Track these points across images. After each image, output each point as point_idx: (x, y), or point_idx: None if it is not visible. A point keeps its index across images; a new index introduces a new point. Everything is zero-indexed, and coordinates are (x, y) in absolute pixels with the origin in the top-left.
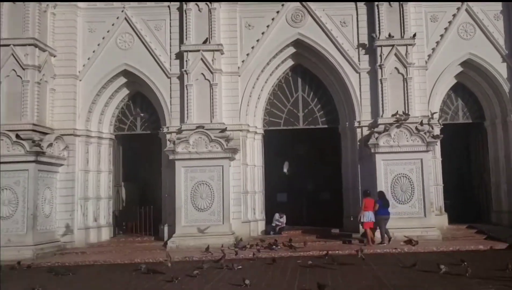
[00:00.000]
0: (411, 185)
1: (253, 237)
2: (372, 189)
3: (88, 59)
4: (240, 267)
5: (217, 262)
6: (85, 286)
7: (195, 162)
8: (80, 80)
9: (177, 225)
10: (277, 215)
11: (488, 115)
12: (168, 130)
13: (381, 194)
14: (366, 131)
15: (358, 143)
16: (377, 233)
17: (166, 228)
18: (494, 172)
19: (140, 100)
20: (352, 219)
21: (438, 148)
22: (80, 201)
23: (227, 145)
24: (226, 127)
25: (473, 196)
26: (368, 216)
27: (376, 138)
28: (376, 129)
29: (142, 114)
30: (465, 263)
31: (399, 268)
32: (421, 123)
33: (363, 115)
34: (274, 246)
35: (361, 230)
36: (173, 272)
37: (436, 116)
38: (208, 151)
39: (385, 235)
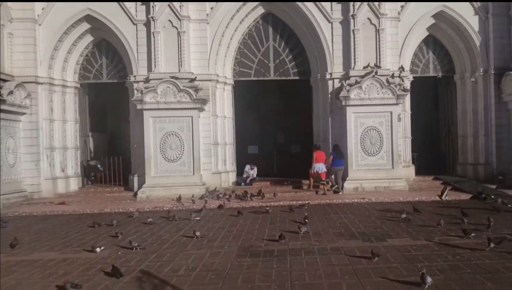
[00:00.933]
0: (380, 137)
1: (224, 188)
2: (342, 142)
3: (48, 2)
4: (198, 218)
5: (199, 212)
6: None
7: (163, 112)
8: (40, 25)
9: (147, 175)
10: (248, 167)
11: (458, 69)
12: (135, 79)
13: (336, 147)
14: (337, 83)
15: (330, 96)
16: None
17: (135, 179)
18: (461, 126)
19: (106, 47)
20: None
21: (408, 101)
22: (46, 151)
23: (196, 95)
24: (196, 77)
25: (440, 148)
26: (319, 168)
27: (347, 91)
28: (347, 82)
29: None
30: (418, 211)
31: (366, 216)
32: (392, 76)
33: (335, 67)
34: (244, 197)
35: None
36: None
37: (407, 68)
38: (177, 101)
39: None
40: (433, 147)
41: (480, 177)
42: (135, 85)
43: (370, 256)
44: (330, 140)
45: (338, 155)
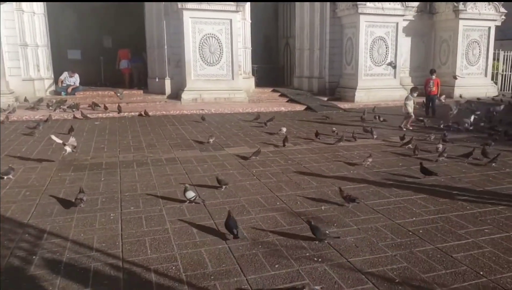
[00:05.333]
0: (220, 46)
1: (39, 97)
2: (179, 49)
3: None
4: None
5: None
6: None
7: None
8: None
9: None
10: (65, 74)
11: None
12: None
13: (135, 49)
14: None
15: None
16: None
17: None
18: (299, 39)
19: None
20: (157, 80)
21: (247, 9)
22: None
23: None
24: None
25: (279, 61)
26: (122, 64)
27: None
28: None
29: None
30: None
31: (205, 127)
32: None
33: None
34: (66, 107)
35: (167, 91)
36: None
37: None
38: None
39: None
40: (272, 59)
41: (314, 90)
42: None
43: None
44: (166, 46)
45: (136, 53)
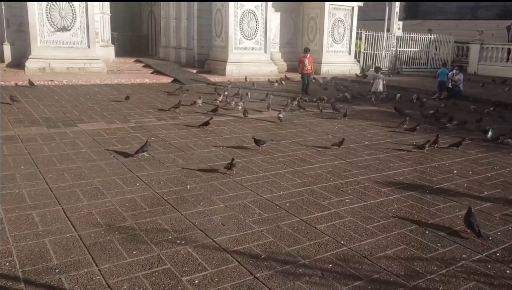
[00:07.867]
0: (72, 10)
1: None
2: (22, 10)
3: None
4: None
5: None
6: None
7: None
8: None
9: None
10: None
11: None
12: None
13: None
14: None
15: None
16: None
17: None
18: (164, 6)
19: None
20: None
21: None
22: None
23: None
24: None
25: (142, 29)
26: None
27: None
28: None
29: None
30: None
31: (54, 100)
32: None
33: None
34: None
35: (7, 58)
36: None
37: None
38: None
39: None
40: (135, 27)
41: (182, 61)
42: None
43: None
44: (3, 6)
45: None
